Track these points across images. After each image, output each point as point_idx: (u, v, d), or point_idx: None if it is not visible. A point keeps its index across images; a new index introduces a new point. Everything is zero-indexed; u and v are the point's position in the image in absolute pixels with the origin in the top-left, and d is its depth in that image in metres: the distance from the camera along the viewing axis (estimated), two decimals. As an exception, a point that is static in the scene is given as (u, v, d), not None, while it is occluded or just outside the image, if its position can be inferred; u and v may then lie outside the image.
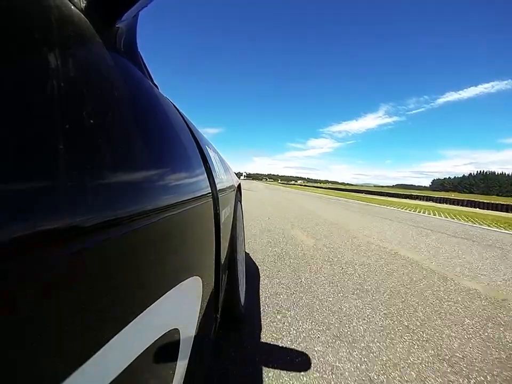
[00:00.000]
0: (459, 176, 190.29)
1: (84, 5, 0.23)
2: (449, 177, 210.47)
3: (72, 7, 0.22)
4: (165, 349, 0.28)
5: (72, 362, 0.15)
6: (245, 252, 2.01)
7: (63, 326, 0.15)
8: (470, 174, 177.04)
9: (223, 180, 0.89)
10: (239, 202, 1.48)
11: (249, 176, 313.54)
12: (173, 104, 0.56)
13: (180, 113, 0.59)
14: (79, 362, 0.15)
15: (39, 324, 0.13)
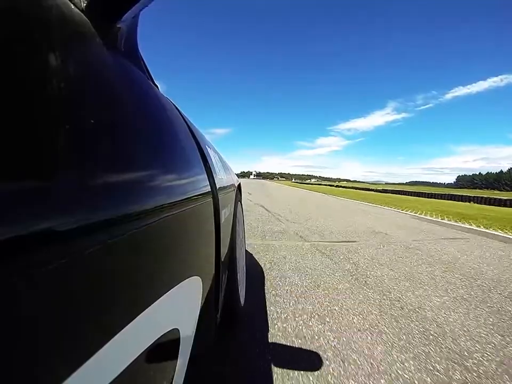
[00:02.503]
0: (495, 172, 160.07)
1: (84, 4, 0.23)
2: (479, 173, 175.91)
3: (73, 7, 0.22)
4: (165, 349, 0.28)
5: (72, 362, 0.15)
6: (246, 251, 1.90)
7: (63, 326, 0.15)
8: (510, 168, 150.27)
9: (223, 180, 0.89)
10: (239, 202, 1.48)
11: (260, 175, 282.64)
12: (173, 104, 0.56)
13: (180, 113, 0.59)
14: (80, 362, 0.15)
15: (39, 324, 0.13)
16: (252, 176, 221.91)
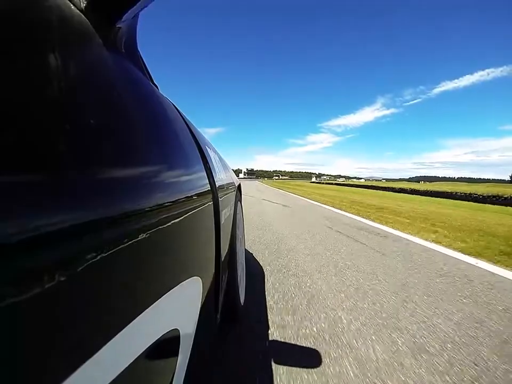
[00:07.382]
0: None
1: (84, 5, 0.23)
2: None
3: (72, 7, 0.22)
4: (165, 349, 0.28)
5: (72, 361, 0.15)
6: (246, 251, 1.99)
7: (63, 325, 0.15)
8: None
9: (223, 180, 0.89)
10: (239, 202, 1.48)
11: (252, 174, 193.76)
12: (173, 104, 0.56)
13: (179, 113, 0.59)
14: (80, 362, 0.15)
15: (39, 325, 0.13)
16: (241, 175, 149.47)
